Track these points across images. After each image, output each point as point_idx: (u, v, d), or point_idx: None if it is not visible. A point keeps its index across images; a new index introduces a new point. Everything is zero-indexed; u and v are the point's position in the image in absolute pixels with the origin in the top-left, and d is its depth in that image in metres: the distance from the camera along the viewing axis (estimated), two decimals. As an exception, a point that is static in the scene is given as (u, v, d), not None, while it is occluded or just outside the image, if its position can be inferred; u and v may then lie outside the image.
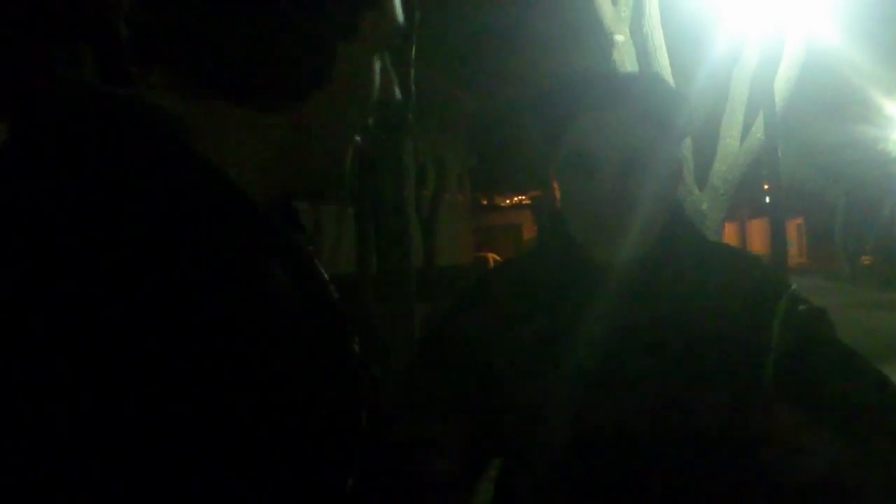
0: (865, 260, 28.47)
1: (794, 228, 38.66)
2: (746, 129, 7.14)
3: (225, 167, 0.67)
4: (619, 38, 7.36)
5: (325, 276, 0.76)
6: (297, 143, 0.73)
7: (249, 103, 0.69)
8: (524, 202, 42.53)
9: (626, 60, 7.44)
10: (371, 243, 4.44)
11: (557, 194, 1.26)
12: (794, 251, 37.05)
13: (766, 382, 1.14)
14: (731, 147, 7.10)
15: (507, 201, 45.00)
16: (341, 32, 0.71)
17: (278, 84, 0.69)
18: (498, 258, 39.18)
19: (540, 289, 1.24)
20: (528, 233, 40.69)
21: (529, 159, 30.81)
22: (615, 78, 1.31)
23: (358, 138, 0.81)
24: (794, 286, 1.22)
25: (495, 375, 1.23)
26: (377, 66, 0.76)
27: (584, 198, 1.18)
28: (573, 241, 1.23)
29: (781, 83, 7.23)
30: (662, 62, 7.47)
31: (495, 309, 1.26)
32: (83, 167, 0.61)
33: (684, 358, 1.15)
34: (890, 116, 17.60)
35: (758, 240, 39.14)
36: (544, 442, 1.19)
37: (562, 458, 1.17)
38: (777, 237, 7.64)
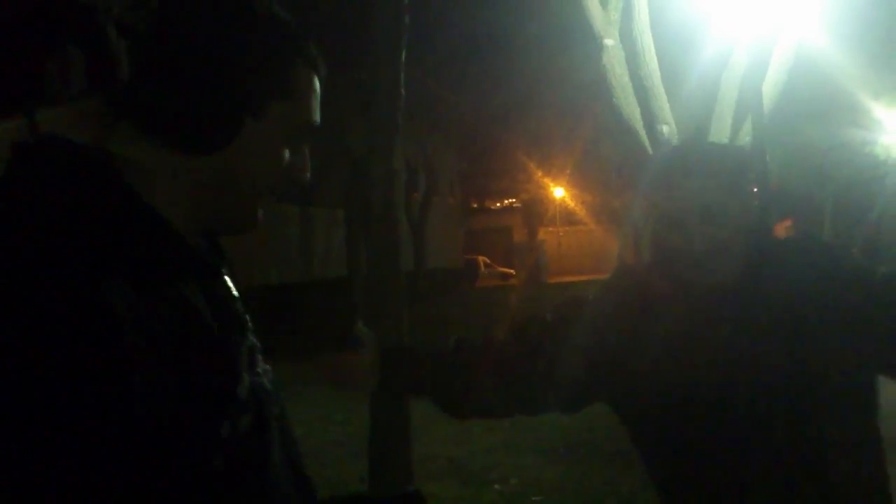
0: (854, 263, 28.55)
1: (783, 231, 38.77)
2: (735, 132, 7.16)
3: (159, 202, 0.92)
4: (608, 42, 7.37)
5: (235, 294, 1.03)
6: (214, 188, 0.98)
7: (176, 147, 0.95)
8: (514, 205, 42.58)
9: (615, 64, 7.45)
10: (361, 246, 4.44)
11: (654, 239, 1.61)
12: (784, 254, 37.01)
13: (868, 346, 1.49)
14: (720, 150, 7.13)
15: (498, 204, 45.04)
16: (248, 111, 0.96)
17: (197, 134, 0.94)
18: (488, 261, 39.22)
19: (658, 298, 1.59)
20: (518, 236, 40.73)
21: (520, 163, 30.84)
22: (695, 152, 1.69)
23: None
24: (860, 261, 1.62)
25: (624, 362, 1.59)
26: (285, 150, 1.01)
27: (679, 241, 1.54)
28: (672, 274, 1.58)
29: (770, 87, 7.26)
30: (651, 66, 7.48)
31: (623, 312, 1.63)
32: (24, 201, 0.85)
33: (792, 343, 1.48)
34: (877, 120, 17.68)
35: (747, 243, 39.14)
36: (674, 420, 1.55)
37: (691, 433, 1.54)
38: (766, 240, 7.66)
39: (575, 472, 5.84)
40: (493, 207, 45.12)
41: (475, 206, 42.45)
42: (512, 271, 38.64)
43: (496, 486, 5.54)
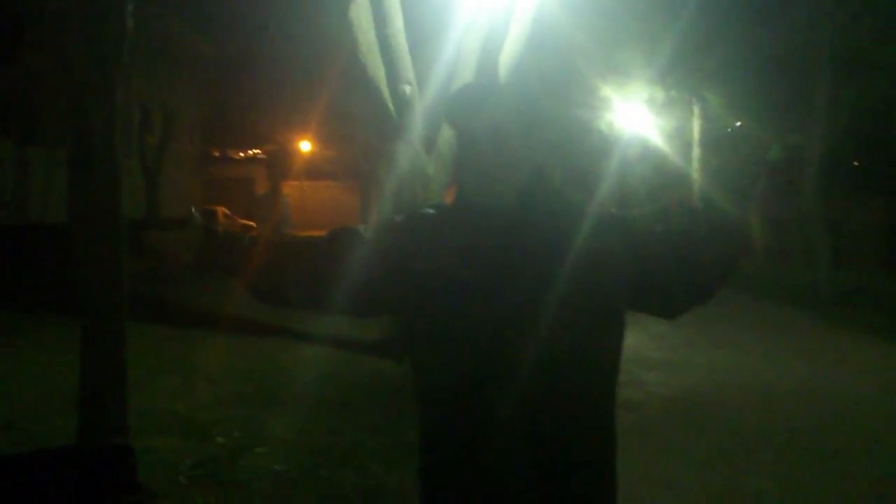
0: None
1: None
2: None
3: None
4: (356, -4, 7.36)
5: None
6: None
7: None
8: (258, 156, 41.66)
9: (362, 20, 7.44)
10: (83, 190, 4.13)
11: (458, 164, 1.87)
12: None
13: (605, 276, 1.75)
14: (458, 114, 7.32)
15: (241, 154, 43.88)
16: None
17: None
18: (228, 212, 38.14)
19: (452, 228, 1.82)
20: (261, 188, 39.93)
21: (265, 113, 30.17)
22: (490, 84, 2.06)
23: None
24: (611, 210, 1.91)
25: (416, 274, 1.79)
26: None
27: (472, 163, 1.80)
28: (470, 195, 1.83)
29: (507, 58, 7.56)
30: (397, 25, 7.55)
31: (425, 240, 1.83)
32: None
33: (548, 267, 1.71)
34: (605, 98, 19.02)
35: (483, 207, 40.84)
36: (445, 330, 1.74)
37: (457, 345, 1.73)
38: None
39: (300, 423, 5.86)
40: (235, 157, 43.88)
41: (216, 154, 41.08)
42: (253, 223, 37.90)
43: (219, 439, 5.43)
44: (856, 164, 24.23)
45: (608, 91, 18.74)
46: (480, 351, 1.71)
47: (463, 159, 1.84)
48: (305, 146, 36.72)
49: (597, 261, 1.74)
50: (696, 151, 19.95)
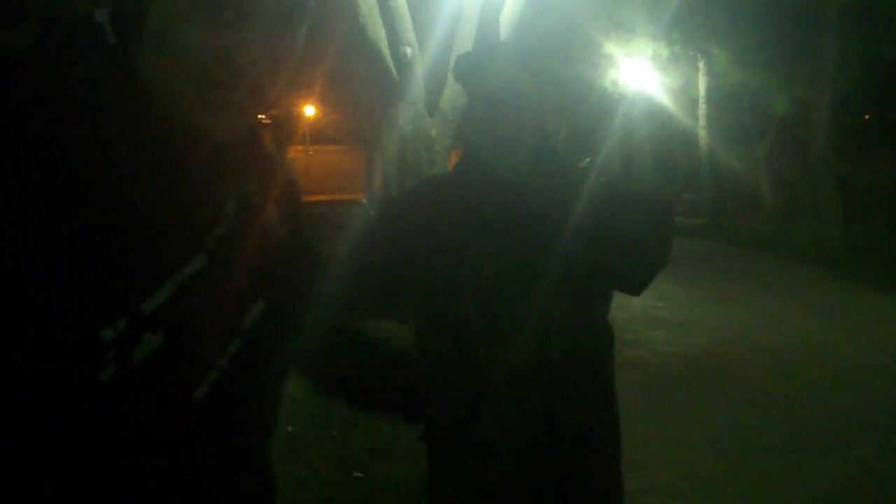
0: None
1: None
2: (475, 58, 7.30)
3: None
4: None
5: None
6: None
7: None
8: (263, 121, 41.51)
9: (360, -18, 7.37)
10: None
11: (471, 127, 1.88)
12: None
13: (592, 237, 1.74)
14: (460, 75, 7.26)
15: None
16: None
17: None
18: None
19: (453, 194, 1.82)
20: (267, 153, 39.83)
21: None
22: (497, 49, 1.93)
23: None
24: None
25: (424, 249, 1.78)
26: None
27: (485, 128, 1.78)
28: (480, 160, 1.82)
29: (508, 16, 7.49)
30: (397, -14, 7.47)
31: (425, 208, 1.84)
32: None
33: (546, 233, 1.72)
34: (608, 55, 18.85)
35: (489, 168, 40.72)
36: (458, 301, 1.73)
37: (459, 309, 1.72)
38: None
39: (310, 384, 5.90)
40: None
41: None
42: (259, 189, 37.83)
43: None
44: (866, 117, 24.08)
45: (611, 48, 18.56)
46: (477, 316, 1.71)
47: (479, 123, 1.81)
48: (310, 111, 36.56)
49: (592, 231, 1.73)
50: (701, 108, 19.80)
